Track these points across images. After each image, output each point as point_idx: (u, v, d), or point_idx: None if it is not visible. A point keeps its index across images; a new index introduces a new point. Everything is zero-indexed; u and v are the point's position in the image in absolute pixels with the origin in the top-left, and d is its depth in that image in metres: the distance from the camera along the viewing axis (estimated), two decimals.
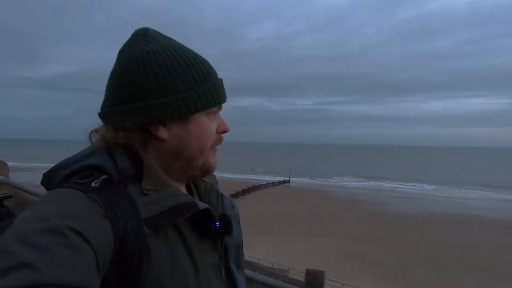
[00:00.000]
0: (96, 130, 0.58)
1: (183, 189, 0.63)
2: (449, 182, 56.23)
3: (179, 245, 0.53)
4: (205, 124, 0.58)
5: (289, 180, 55.20)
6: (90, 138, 0.58)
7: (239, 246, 0.67)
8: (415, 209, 33.21)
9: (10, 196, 0.70)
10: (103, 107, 0.58)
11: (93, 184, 0.50)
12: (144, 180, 0.53)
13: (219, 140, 0.62)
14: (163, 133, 0.55)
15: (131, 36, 0.59)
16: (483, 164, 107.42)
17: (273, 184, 51.08)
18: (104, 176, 0.51)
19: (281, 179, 54.66)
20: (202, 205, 0.56)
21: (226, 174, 59.82)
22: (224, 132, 0.63)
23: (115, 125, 0.55)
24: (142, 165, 0.54)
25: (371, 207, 33.99)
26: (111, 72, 0.58)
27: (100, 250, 0.43)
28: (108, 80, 0.58)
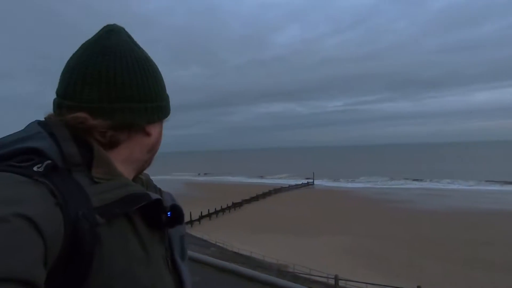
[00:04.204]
0: (68, 117, 0.53)
1: None
2: (489, 178, 51.92)
3: (131, 235, 0.52)
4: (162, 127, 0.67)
5: (313, 182, 54.72)
6: (59, 123, 0.53)
7: (182, 237, 0.69)
8: (442, 206, 31.36)
9: None
10: (93, 100, 0.54)
11: (35, 169, 0.45)
12: (94, 168, 0.52)
13: None
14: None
15: (110, 31, 0.58)
16: None
17: (296, 186, 50.91)
18: (48, 161, 0.47)
19: (305, 181, 54.26)
20: (154, 195, 0.56)
21: (252, 179, 60.42)
22: None
23: (110, 120, 0.54)
24: (91, 153, 0.53)
25: (392, 205, 32.69)
26: (99, 66, 0.54)
27: (50, 239, 0.40)
28: (92, 71, 0.54)
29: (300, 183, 53.03)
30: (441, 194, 39.64)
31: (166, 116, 0.66)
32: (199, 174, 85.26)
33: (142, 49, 0.62)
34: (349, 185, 54.31)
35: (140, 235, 0.54)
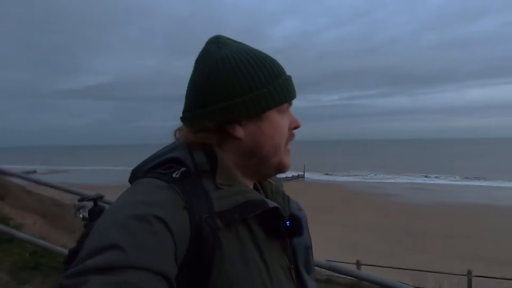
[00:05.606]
0: (180, 129, 0.63)
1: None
2: (476, 175, 53.04)
3: (249, 241, 0.54)
4: (277, 121, 0.60)
5: (303, 175, 55.08)
6: (175, 135, 0.63)
7: (308, 248, 0.67)
8: (426, 200, 32.08)
9: (102, 197, 0.76)
10: (184, 111, 0.62)
11: (174, 175, 0.53)
12: (218, 174, 0.56)
13: (291, 136, 0.65)
14: (239, 131, 0.58)
15: (205, 44, 0.63)
16: None
17: (287, 179, 51.25)
18: (183, 169, 0.55)
19: (295, 174, 54.63)
20: (271, 203, 0.56)
21: None
22: (296, 127, 0.65)
23: (195, 127, 0.59)
24: (217, 161, 0.58)
25: (382, 198, 33.28)
26: (189, 80, 0.62)
27: (179, 239, 0.46)
28: (187, 88, 0.62)
29: (291, 175, 53.39)
30: (428, 189, 40.44)
31: (249, 113, 0.58)
32: None
33: (226, 50, 0.59)
34: (339, 178, 55.04)
35: (258, 242, 0.55)
